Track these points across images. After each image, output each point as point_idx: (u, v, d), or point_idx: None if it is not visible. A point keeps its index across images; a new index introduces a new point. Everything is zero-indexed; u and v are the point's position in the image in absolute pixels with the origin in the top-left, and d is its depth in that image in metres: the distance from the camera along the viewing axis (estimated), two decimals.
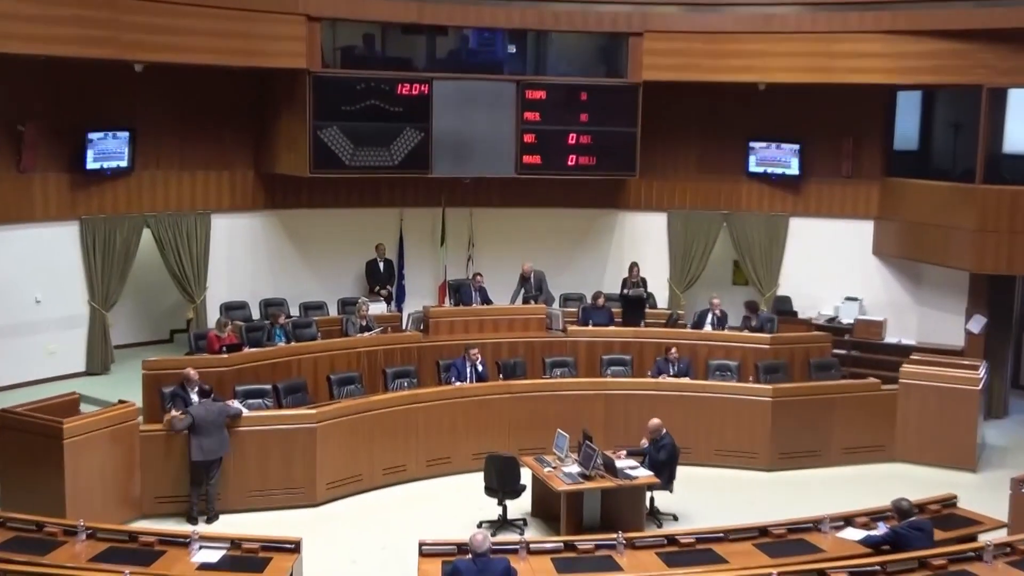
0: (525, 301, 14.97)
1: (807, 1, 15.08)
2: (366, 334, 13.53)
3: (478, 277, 14.89)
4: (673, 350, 12.97)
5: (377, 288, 15.66)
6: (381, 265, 15.85)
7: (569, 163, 15.57)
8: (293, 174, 14.85)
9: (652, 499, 10.74)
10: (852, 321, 15.80)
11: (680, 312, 15.33)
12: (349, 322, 13.75)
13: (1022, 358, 15.81)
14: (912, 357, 13.45)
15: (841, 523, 9.02)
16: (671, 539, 8.67)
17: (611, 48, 16.12)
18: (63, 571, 7.80)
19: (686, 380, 12.74)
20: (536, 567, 8.24)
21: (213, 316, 14.29)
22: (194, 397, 10.70)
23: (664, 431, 10.68)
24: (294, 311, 14.72)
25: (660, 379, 12.72)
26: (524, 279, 15.14)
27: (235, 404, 10.89)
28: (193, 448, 10.30)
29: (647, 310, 15.01)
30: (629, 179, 16.46)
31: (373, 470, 11.44)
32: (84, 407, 11.12)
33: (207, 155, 15.12)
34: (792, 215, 16.50)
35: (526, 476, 10.57)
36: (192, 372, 10.97)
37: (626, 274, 15.24)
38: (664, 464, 10.54)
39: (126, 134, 14.22)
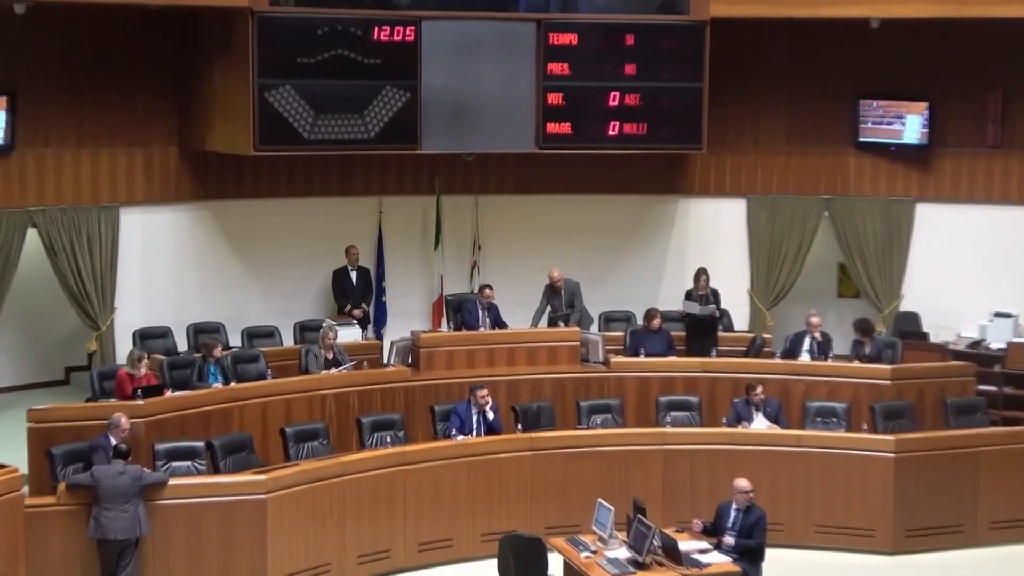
0: (552, 323, 15.03)
1: None
2: (333, 371, 13.59)
3: (487, 291, 14.95)
4: (758, 389, 12.99)
5: (348, 307, 15.74)
6: (353, 276, 15.92)
7: (610, 133, 15.62)
8: (231, 152, 14.94)
9: None
10: (1004, 346, 15.76)
11: (766, 336, 15.33)
12: (310, 354, 13.79)
13: None
14: None
15: None
16: None
17: None
18: None
19: (775, 430, 12.76)
20: None
21: (124, 348, 14.36)
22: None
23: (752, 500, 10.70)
24: (234, 340, 14.81)
25: (739, 428, 12.75)
26: (552, 292, 15.20)
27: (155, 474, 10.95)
28: (91, 523, 10.33)
29: (720, 333, 15.06)
30: (694, 154, 16.52)
31: (345, 557, 11.45)
32: None
33: (114, 128, 15.18)
34: (919, 200, 16.52)
35: (555, 564, 10.58)
36: (123, 419, 11.07)
37: (691, 285, 15.28)
38: (755, 549, 10.53)
39: (3, 99, 14.34)
